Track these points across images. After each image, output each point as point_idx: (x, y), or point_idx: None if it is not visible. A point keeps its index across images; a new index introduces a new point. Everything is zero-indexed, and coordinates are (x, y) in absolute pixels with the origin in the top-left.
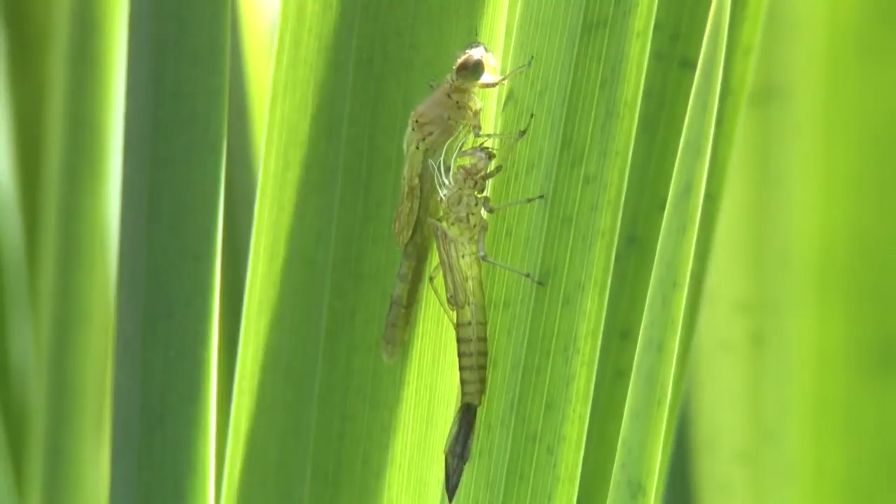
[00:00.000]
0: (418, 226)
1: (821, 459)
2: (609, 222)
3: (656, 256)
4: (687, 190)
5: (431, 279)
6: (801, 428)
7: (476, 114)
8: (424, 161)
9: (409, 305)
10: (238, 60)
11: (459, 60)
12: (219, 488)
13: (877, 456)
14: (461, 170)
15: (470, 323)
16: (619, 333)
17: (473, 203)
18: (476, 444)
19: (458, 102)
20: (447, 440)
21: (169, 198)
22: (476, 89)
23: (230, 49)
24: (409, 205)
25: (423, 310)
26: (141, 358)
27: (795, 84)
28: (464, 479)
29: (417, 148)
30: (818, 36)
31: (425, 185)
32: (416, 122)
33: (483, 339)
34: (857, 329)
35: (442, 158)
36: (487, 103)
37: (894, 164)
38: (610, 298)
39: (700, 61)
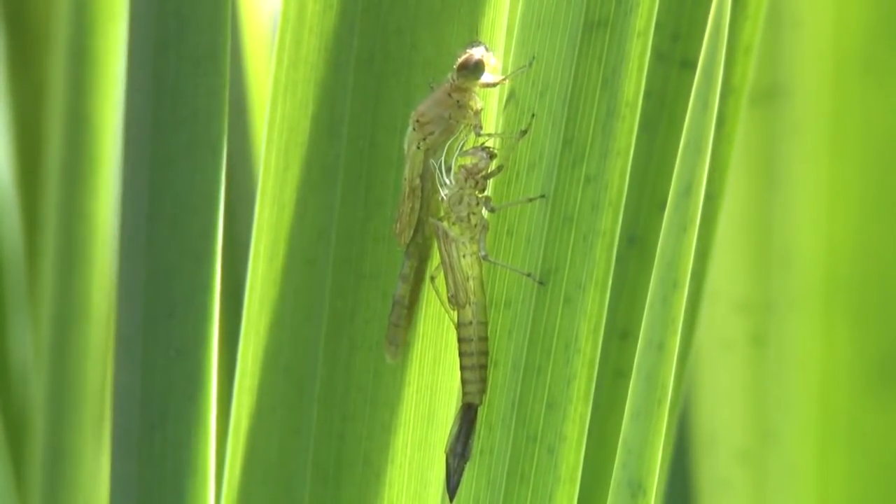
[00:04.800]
0: (420, 226)
1: (821, 458)
2: (610, 222)
3: (657, 256)
4: (688, 190)
5: (432, 279)
6: (801, 428)
7: (477, 113)
8: (425, 161)
9: (411, 305)
10: (238, 60)
11: (460, 60)
12: (219, 488)
13: (878, 455)
14: (462, 169)
15: (471, 323)
16: (619, 333)
17: (474, 203)
18: (477, 443)
19: (458, 102)
20: (448, 440)
21: (169, 197)
22: (477, 89)
23: (230, 49)
24: (411, 205)
25: (423, 310)
26: (141, 357)
27: (799, 83)
28: (465, 478)
29: (418, 148)
30: (822, 35)
31: (426, 185)
32: (417, 121)
33: (484, 339)
34: (859, 328)
35: (443, 158)
36: (488, 103)
37: None
38: (610, 298)
39: (700, 61)
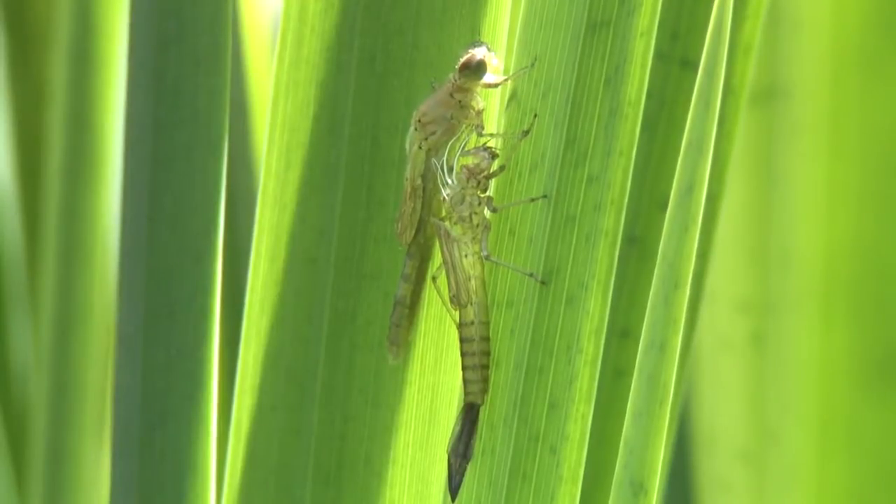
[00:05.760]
0: (421, 226)
1: (821, 458)
2: (612, 222)
3: (658, 256)
4: (689, 189)
5: (434, 279)
6: (801, 427)
7: (479, 113)
8: (427, 161)
9: (412, 306)
10: (238, 60)
11: (462, 60)
12: (220, 488)
13: (878, 454)
14: (464, 169)
15: (473, 322)
16: (619, 333)
17: (476, 202)
18: (479, 443)
19: (460, 102)
20: (450, 440)
21: (170, 197)
22: (479, 89)
23: (231, 48)
24: (413, 205)
25: (425, 309)
26: (142, 357)
27: (799, 83)
28: (466, 478)
29: (420, 148)
30: (822, 35)
31: (428, 185)
32: (419, 121)
33: (486, 339)
34: (858, 328)
35: (445, 158)
36: (490, 103)
37: None
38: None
39: (703, 60)
